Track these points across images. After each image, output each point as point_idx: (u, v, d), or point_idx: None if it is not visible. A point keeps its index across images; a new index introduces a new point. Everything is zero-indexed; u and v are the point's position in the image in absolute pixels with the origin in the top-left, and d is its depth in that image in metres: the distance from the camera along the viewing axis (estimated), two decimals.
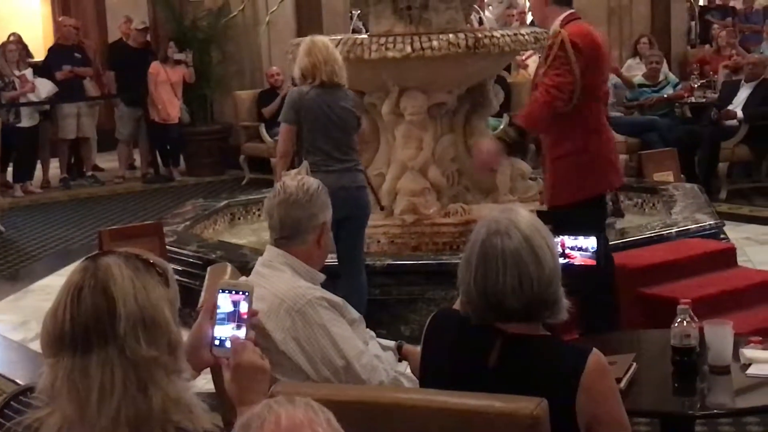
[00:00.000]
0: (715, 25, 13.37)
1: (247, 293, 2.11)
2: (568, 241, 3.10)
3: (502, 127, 10.57)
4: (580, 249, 3.12)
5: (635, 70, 10.84)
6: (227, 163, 11.56)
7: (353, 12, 9.27)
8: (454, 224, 6.19)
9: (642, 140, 9.44)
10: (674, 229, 6.02)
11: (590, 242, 3.12)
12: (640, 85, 10.34)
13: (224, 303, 2.11)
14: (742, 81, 9.58)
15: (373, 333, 3.24)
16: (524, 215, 2.44)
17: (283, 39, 10.25)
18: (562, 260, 2.59)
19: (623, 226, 6.51)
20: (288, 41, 7.35)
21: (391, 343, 3.28)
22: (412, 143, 6.32)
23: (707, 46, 13.08)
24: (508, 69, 12.09)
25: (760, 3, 16.14)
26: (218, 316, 2.11)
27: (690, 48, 14.06)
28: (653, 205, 7.17)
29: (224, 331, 2.10)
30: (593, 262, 3.16)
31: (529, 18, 14.77)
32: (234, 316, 2.10)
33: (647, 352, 3.46)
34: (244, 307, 2.10)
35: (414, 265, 5.70)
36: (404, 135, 6.33)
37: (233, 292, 2.11)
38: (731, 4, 15.13)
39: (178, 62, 11.16)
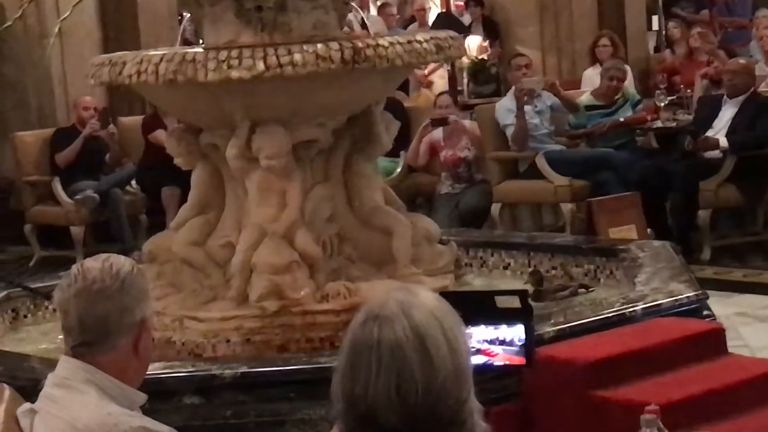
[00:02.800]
0: (672, 24, 13.54)
1: None
2: (486, 332, 3.15)
3: (399, 170, 10.72)
4: (502, 342, 3.16)
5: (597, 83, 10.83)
6: (7, 235, 11.46)
7: (182, 16, 9.32)
8: (336, 311, 6.20)
9: (592, 182, 9.56)
10: (639, 306, 6.11)
11: (516, 332, 3.17)
12: (588, 107, 10.32)
13: None
14: (724, 96, 9.72)
15: None
16: (423, 296, 2.45)
17: (83, 56, 10.21)
18: (478, 360, 2.63)
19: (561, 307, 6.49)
20: (90, 58, 7.31)
21: None
22: (271, 199, 6.33)
23: (668, 51, 13.38)
24: (405, 89, 12.26)
25: None
26: None
27: (653, 53, 14.40)
28: (611, 272, 7.25)
29: None
30: (522, 360, 3.21)
31: (433, 17, 15.05)
32: None
33: None
34: None
35: (280, 373, 5.69)
36: (260, 187, 6.34)
37: None
38: None
39: None
